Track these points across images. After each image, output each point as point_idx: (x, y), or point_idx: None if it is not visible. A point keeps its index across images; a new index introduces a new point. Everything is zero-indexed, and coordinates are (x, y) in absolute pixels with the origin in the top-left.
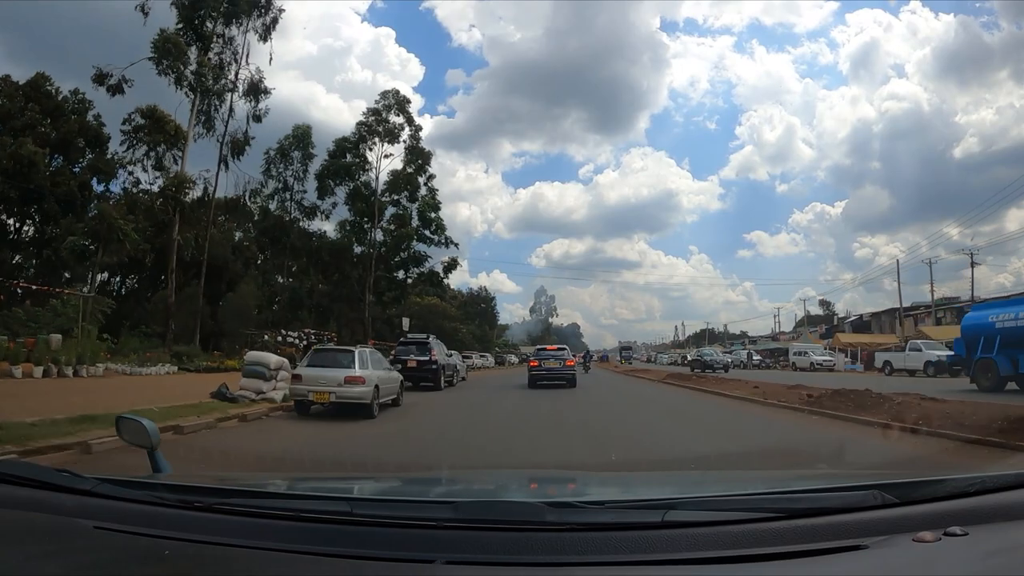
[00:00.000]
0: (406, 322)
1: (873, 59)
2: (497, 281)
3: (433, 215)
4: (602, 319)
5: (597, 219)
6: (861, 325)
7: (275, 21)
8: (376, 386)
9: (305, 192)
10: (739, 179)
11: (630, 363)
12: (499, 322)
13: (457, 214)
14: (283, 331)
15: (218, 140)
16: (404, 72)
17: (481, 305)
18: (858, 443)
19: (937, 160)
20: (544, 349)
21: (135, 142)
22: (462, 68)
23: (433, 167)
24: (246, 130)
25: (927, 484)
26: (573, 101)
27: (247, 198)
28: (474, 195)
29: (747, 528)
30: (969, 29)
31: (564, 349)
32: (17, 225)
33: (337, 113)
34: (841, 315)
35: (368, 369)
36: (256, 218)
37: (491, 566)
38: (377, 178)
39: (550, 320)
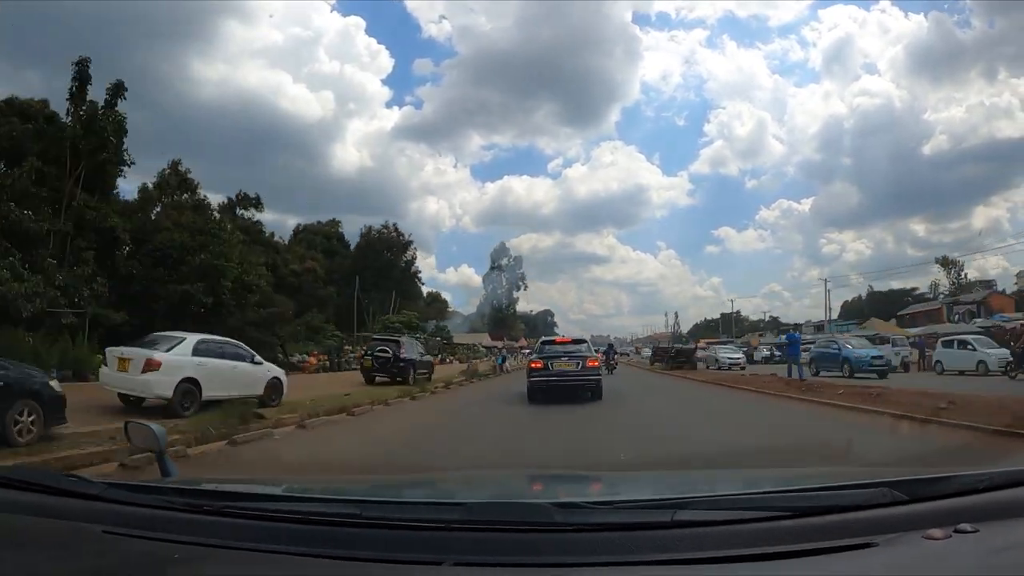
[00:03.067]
0: None
1: (846, 55)
2: (465, 275)
3: None
4: (570, 314)
5: (566, 213)
6: None
7: None
8: None
9: None
10: (710, 174)
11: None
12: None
13: (425, 208)
14: None
15: None
16: (373, 64)
17: (386, 253)
18: None
19: (907, 157)
20: (552, 343)
21: None
22: (431, 58)
23: (401, 159)
24: None
25: (937, 481)
26: (544, 93)
27: None
28: (442, 189)
29: (757, 527)
30: (942, 26)
31: (583, 343)
32: None
33: (305, 104)
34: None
35: None
36: None
37: (500, 567)
38: None
39: (515, 295)
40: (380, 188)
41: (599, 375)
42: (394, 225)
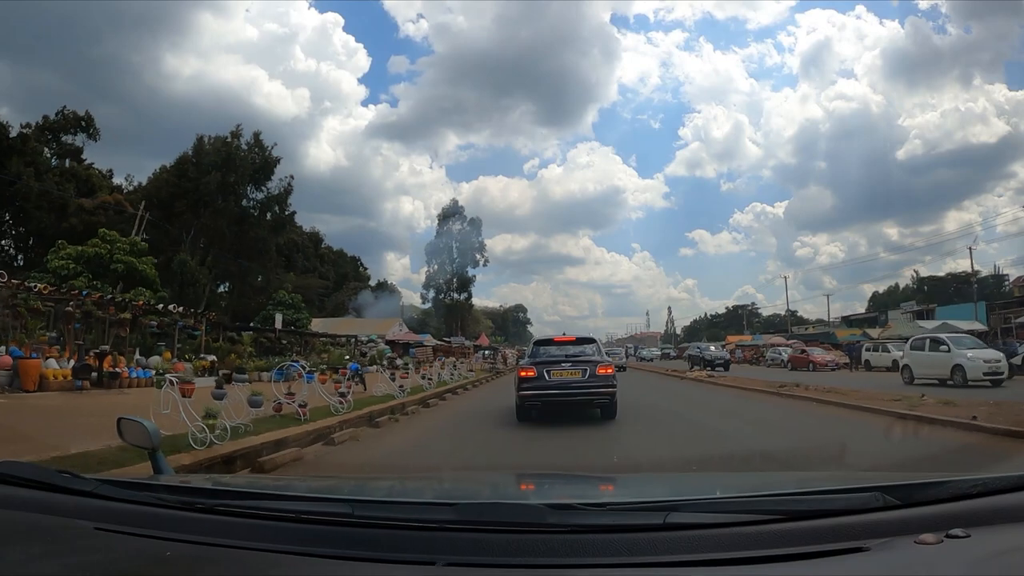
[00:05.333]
0: None
1: (823, 59)
2: None
3: None
4: (545, 315)
5: (542, 214)
6: None
7: None
8: None
9: None
10: (686, 177)
11: None
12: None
13: (400, 208)
14: None
15: None
16: (350, 62)
17: (222, 174)
18: None
19: (881, 161)
20: (548, 343)
21: None
22: (407, 56)
23: (376, 159)
24: None
25: (929, 486)
26: (522, 92)
27: None
28: (418, 189)
29: (748, 530)
30: (919, 31)
31: (590, 342)
32: None
33: (280, 101)
34: None
35: None
36: None
37: (492, 568)
38: None
39: (471, 273)
40: (355, 187)
41: (613, 387)
42: (256, 136)
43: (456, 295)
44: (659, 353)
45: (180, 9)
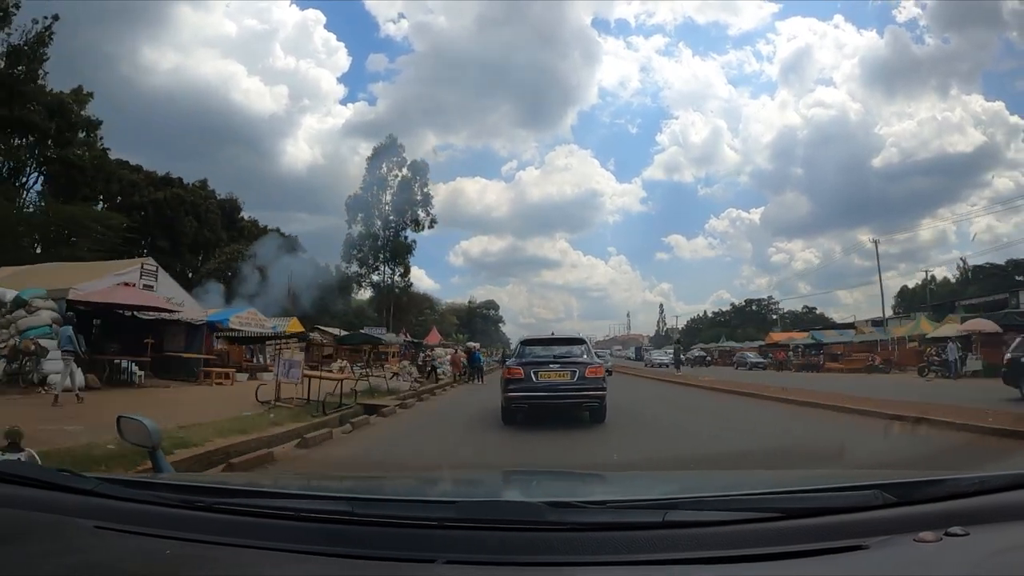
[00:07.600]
0: None
1: (803, 67)
2: (414, 277)
3: None
4: (520, 318)
5: (519, 217)
6: None
7: None
8: None
9: None
10: (663, 181)
11: None
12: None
13: None
14: None
15: None
16: (330, 60)
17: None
18: None
19: (858, 168)
20: (536, 343)
21: None
22: (386, 54)
23: (354, 158)
24: None
25: (928, 484)
26: (501, 94)
27: None
28: None
29: (748, 528)
30: (899, 40)
31: (579, 343)
32: None
33: (258, 97)
34: None
35: None
36: None
37: (492, 566)
38: None
39: (409, 239)
40: (331, 186)
41: (603, 389)
42: None
43: (388, 268)
44: (669, 358)
45: (159, 1)
